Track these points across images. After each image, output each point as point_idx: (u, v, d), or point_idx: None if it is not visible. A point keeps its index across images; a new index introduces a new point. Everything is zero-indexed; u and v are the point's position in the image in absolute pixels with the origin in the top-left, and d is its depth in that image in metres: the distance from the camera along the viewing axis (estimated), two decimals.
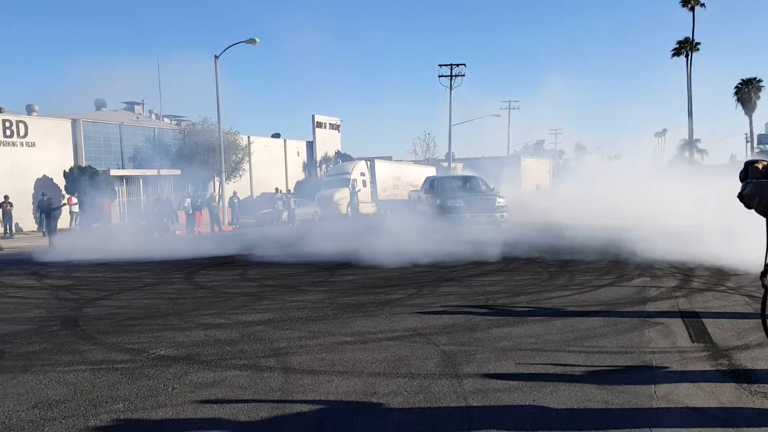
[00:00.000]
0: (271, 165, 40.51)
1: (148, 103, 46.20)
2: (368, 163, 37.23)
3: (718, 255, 10.57)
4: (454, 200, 19.12)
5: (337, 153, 45.01)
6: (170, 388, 4.53)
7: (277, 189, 32.33)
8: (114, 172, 30.03)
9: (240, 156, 34.95)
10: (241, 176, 35.34)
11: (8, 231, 23.81)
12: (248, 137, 37.46)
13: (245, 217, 30.89)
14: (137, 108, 42.08)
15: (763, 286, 2.52)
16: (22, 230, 26.01)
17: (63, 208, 24.10)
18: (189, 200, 27.44)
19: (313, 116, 44.86)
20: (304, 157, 44.20)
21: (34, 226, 26.60)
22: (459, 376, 4.69)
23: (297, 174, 42.96)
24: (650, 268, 10.38)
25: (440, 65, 46.76)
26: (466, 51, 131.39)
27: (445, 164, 47.69)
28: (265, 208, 31.74)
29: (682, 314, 6.79)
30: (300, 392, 4.40)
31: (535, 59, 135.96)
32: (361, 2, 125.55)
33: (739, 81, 55.72)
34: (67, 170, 28.17)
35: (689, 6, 50.48)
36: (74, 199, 26.70)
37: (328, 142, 45.52)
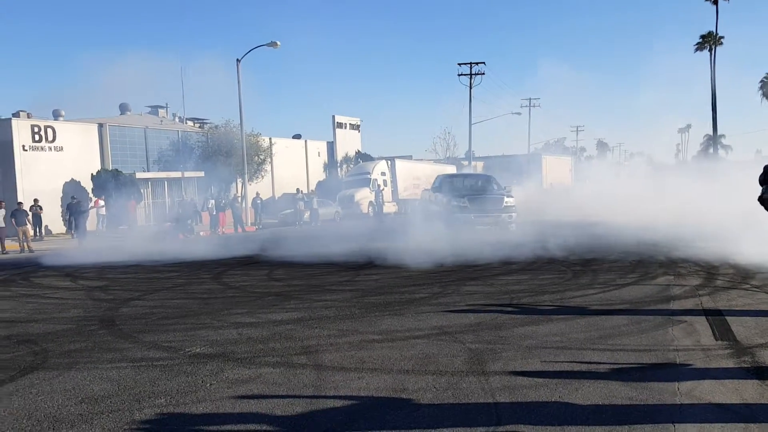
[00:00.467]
0: (292, 166, 40.85)
1: (172, 107, 46.79)
2: (389, 162, 37.36)
3: (743, 253, 10.56)
4: (459, 200, 18.50)
5: (358, 153, 45.22)
6: (208, 384, 4.74)
7: (298, 189, 32.64)
8: (139, 175, 30.56)
9: (262, 157, 35.35)
10: (263, 177, 35.75)
11: (38, 233, 24.40)
12: (270, 139, 37.85)
13: (267, 217, 31.23)
14: (161, 111, 42.70)
15: None
16: (51, 232, 26.62)
17: (90, 211, 24.68)
18: (213, 201, 27.87)
19: (333, 117, 45.12)
20: (324, 157, 44.48)
21: (63, 228, 27.20)
22: (486, 373, 4.82)
23: (318, 174, 43.25)
24: (674, 267, 10.39)
25: (459, 64, 46.78)
26: (486, 49, 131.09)
27: (466, 163, 47.63)
28: (286, 209, 32.06)
29: (706, 312, 6.83)
30: (332, 388, 4.58)
31: (555, 56, 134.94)
32: (380, 3, 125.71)
33: (764, 75, 54.73)
34: (94, 173, 28.78)
35: (712, 0, 49.77)
36: (101, 202, 27.28)
37: (348, 142, 45.76)
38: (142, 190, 30.67)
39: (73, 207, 22.93)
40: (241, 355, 5.56)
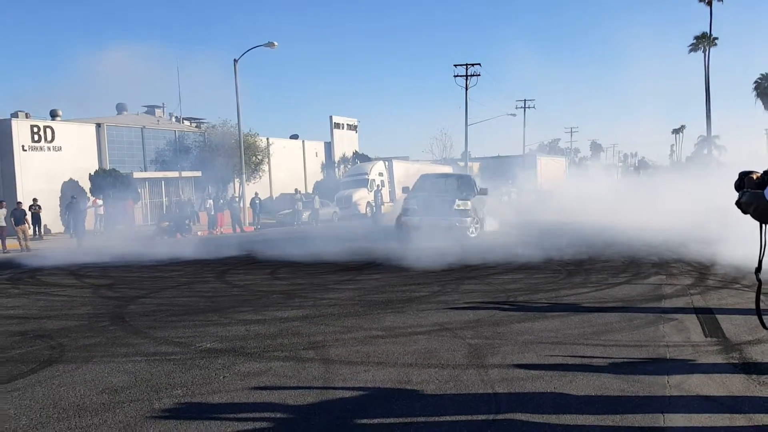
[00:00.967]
0: (290, 166, 41.05)
1: (168, 106, 46.90)
2: (386, 163, 37.62)
3: (734, 253, 10.82)
4: (408, 202, 17.05)
5: (355, 153, 45.47)
6: (221, 377, 4.97)
7: (296, 190, 32.84)
8: (137, 175, 30.72)
9: (260, 158, 35.54)
10: (260, 177, 35.93)
11: (37, 233, 24.53)
12: (267, 139, 38.04)
13: (265, 217, 31.43)
14: (157, 111, 42.84)
15: (757, 279, 2.90)
16: (50, 232, 26.76)
17: (88, 210, 24.82)
18: (211, 201, 28.06)
19: (330, 117, 45.37)
20: (322, 157, 44.70)
21: (62, 228, 27.34)
22: (485, 366, 5.07)
23: (315, 175, 43.47)
24: (666, 267, 10.65)
25: (456, 65, 47.01)
26: (483, 50, 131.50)
27: (462, 163, 47.90)
28: (285, 209, 32.26)
29: (697, 311, 7.08)
30: (340, 380, 4.82)
31: (550, 58, 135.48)
32: (377, 4, 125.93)
33: (759, 76, 55.22)
34: (92, 173, 28.94)
35: (706, 1, 50.21)
36: (99, 201, 27.44)
37: (345, 143, 46.01)
38: (139, 190, 30.82)
39: (72, 206, 23.09)
40: (250, 350, 5.80)
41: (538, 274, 10.22)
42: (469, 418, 3.99)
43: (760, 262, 2.82)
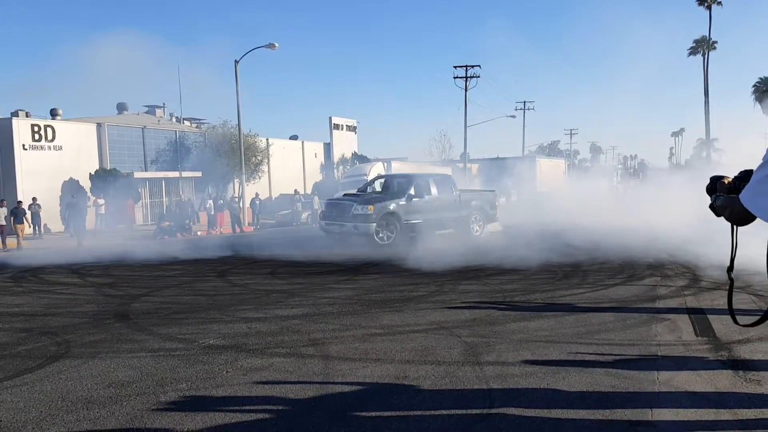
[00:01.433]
0: (289, 167, 41.20)
1: (169, 106, 47.11)
2: (385, 164, 37.74)
3: (728, 256, 10.96)
4: (326, 205, 17.20)
5: (354, 154, 45.61)
6: (225, 372, 5.12)
7: (296, 191, 32.98)
8: (137, 175, 30.86)
9: (259, 158, 35.68)
10: (260, 178, 36.08)
11: (37, 232, 24.65)
12: (267, 139, 38.19)
13: (264, 217, 31.57)
14: (158, 111, 42.99)
15: (729, 278, 3.04)
16: (50, 231, 26.87)
17: (89, 210, 24.96)
18: (211, 201, 28.19)
19: (330, 118, 45.51)
20: (321, 158, 44.85)
21: (62, 227, 27.45)
22: (480, 363, 5.22)
23: (314, 175, 43.61)
24: (662, 268, 10.81)
25: (455, 66, 47.13)
26: (482, 52, 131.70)
27: (461, 165, 48.04)
28: (284, 209, 32.39)
29: (689, 311, 7.23)
30: (340, 376, 4.97)
31: (549, 60, 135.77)
32: (377, 5, 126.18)
33: (757, 79, 55.39)
34: (93, 173, 29.07)
35: (705, 5, 50.40)
36: (101, 201, 27.57)
37: (345, 144, 46.15)
38: (139, 190, 30.97)
39: (72, 206, 23.23)
40: (252, 346, 5.94)
41: (535, 275, 10.37)
42: (464, 412, 4.14)
43: (732, 261, 2.96)
